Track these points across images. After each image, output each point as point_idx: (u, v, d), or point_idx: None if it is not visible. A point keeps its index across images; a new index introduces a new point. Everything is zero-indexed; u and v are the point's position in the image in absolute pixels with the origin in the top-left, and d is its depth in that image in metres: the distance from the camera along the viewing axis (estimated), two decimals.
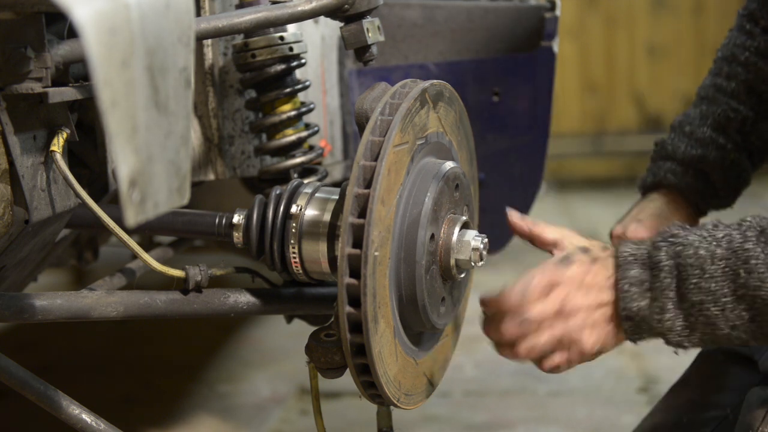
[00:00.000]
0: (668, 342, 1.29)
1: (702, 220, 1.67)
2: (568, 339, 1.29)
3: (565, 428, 2.38)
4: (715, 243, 1.24)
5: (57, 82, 1.25)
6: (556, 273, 1.29)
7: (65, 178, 1.25)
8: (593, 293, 1.28)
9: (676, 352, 1.31)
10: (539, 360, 1.33)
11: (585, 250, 1.32)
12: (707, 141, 1.67)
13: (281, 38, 1.55)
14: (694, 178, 1.67)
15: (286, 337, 3.07)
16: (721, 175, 1.67)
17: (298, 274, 1.37)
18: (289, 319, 2.01)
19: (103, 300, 1.35)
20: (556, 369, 1.33)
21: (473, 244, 1.32)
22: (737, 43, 1.71)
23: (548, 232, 1.39)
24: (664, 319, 1.25)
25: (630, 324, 1.27)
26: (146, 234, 2.12)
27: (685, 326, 1.25)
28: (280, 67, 1.57)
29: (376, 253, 1.19)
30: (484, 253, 1.33)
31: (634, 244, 1.30)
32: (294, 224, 1.35)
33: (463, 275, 1.35)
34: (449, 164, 1.34)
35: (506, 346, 1.33)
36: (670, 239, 1.27)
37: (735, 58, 1.70)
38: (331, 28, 1.87)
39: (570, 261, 1.30)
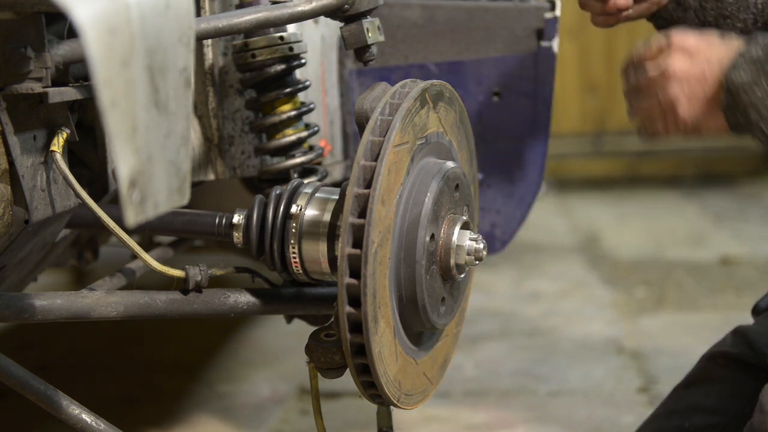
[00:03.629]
0: (752, 125, 1.32)
1: None
2: (666, 103, 1.37)
3: (565, 428, 2.37)
4: None
5: (57, 82, 1.25)
6: (678, 37, 1.36)
7: (65, 178, 1.25)
8: (702, 63, 1.34)
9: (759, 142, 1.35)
10: (645, 126, 1.42)
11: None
12: None
13: (281, 38, 1.55)
14: None
15: (286, 337, 3.07)
16: None
17: (298, 274, 1.37)
18: (289, 319, 2.02)
19: (103, 300, 1.35)
20: (656, 135, 1.42)
21: (472, 244, 1.32)
22: None
23: None
24: (756, 94, 1.29)
25: (728, 97, 1.31)
26: (146, 234, 2.12)
27: None
28: (280, 67, 1.57)
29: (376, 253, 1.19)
30: (484, 252, 1.33)
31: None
32: (294, 224, 1.35)
33: (463, 275, 1.35)
34: (449, 164, 1.34)
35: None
36: None
37: None
38: (331, 28, 1.87)
39: (697, 33, 1.36)
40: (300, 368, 2.69)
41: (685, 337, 2.98)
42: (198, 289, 1.42)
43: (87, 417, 1.36)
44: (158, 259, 1.35)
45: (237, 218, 1.41)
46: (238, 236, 1.41)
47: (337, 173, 1.90)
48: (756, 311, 1.72)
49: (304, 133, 1.61)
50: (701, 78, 1.34)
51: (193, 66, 1.05)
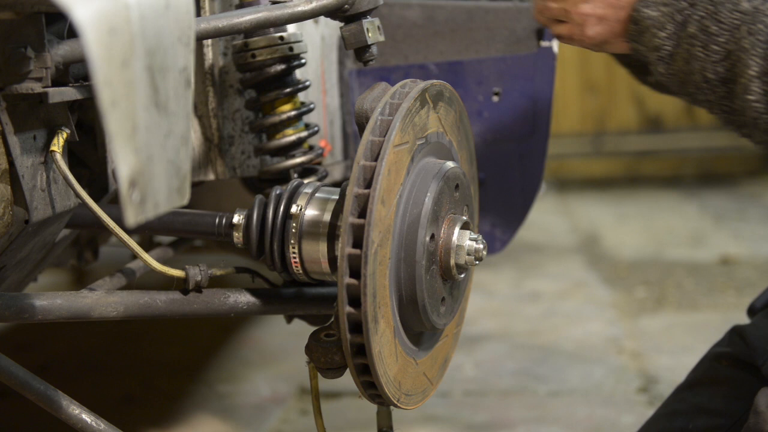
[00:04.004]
0: (650, 63, 1.33)
1: None
2: (576, 17, 1.38)
3: (565, 428, 2.38)
4: None
5: (57, 82, 1.25)
6: None
7: (65, 178, 1.25)
8: None
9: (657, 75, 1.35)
10: (552, 23, 1.44)
11: None
12: None
13: (281, 38, 1.55)
14: None
15: (286, 337, 3.07)
16: None
17: (298, 274, 1.37)
18: (289, 319, 2.01)
19: (103, 300, 1.35)
20: (560, 38, 1.45)
21: (472, 244, 1.32)
22: None
23: None
24: (659, 36, 1.29)
25: (634, 29, 1.32)
26: (146, 234, 2.12)
27: (669, 54, 1.30)
28: (280, 67, 1.57)
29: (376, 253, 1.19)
30: (484, 252, 1.33)
31: None
32: (294, 224, 1.35)
33: (463, 275, 1.35)
34: (449, 164, 1.34)
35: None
36: None
37: None
38: (331, 28, 1.87)
39: None
40: (300, 368, 2.69)
41: (685, 337, 2.99)
42: (198, 289, 1.42)
43: (87, 417, 1.36)
44: (158, 259, 1.35)
45: (237, 218, 1.41)
46: (238, 236, 1.41)
47: (337, 173, 1.90)
48: (751, 311, 1.71)
49: (304, 133, 1.61)
50: (615, 3, 1.34)
51: (193, 66, 1.05)
